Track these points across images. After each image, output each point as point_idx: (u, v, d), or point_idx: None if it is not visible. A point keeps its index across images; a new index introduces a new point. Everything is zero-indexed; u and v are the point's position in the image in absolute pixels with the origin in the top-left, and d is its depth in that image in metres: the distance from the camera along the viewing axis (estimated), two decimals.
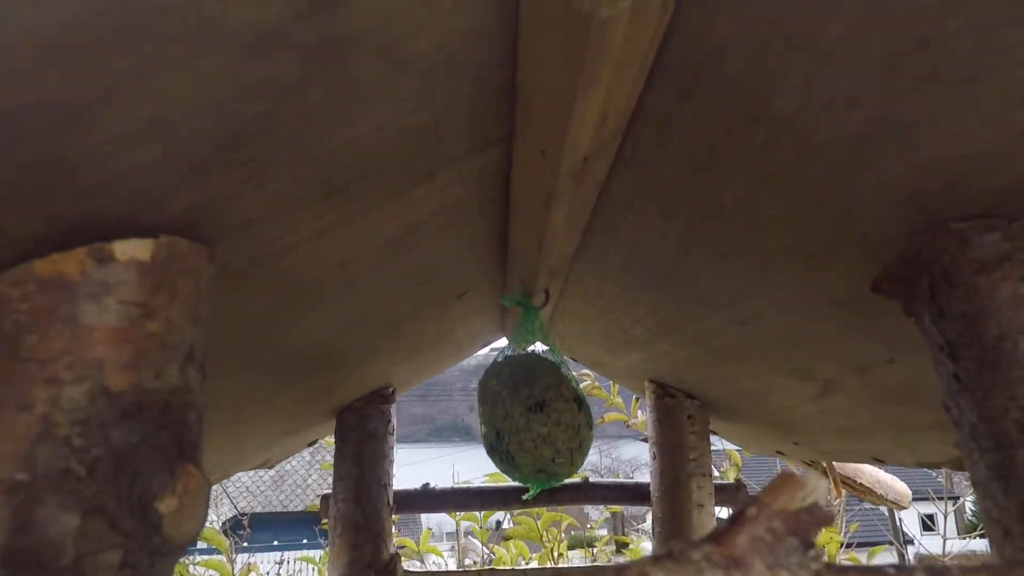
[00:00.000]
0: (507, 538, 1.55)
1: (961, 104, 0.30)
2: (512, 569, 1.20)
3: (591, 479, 1.22)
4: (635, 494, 1.19)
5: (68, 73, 0.23)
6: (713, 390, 1.05)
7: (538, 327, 0.79)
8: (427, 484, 1.28)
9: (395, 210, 0.49)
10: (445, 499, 1.25)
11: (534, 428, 0.70)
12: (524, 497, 0.93)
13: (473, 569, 1.31)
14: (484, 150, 0.48)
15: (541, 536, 1.53)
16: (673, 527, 1.09)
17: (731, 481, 1.26)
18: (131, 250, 0.31)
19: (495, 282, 0.87)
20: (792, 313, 0.60)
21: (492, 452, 0.76)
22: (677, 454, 1.12)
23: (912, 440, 0.78)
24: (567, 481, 1.12)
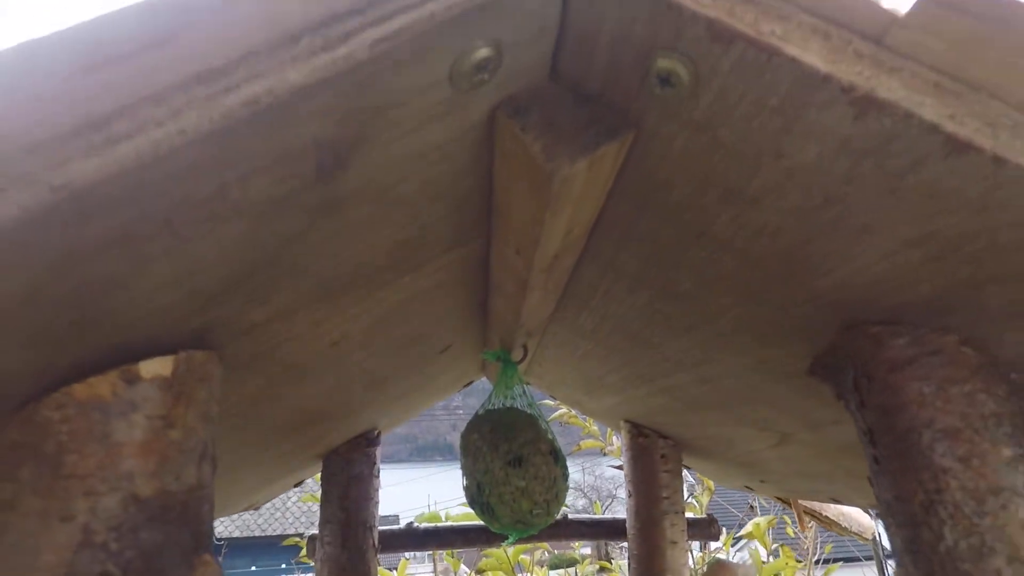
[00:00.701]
0: (480, 571, 1.59)
1: (861, 244, 0.36)
2: None
3: (574, 494, 1.26)
4: (612, 530, 1.24)
5: (113, 257, 0.28)
6: (684, 432, 1.10)
7: (517, 381, 0.83)
8: (411, 523, 1.31)
9: (383, 296, 0.54)
10: (428, 538, 1.28)
11: (513, 482, 0.74)
12: (504, 544, 0.97)
13: None
14: (466, 245, 0.53)
15: (512, 568, 1.56)
16: (648, 565, 1.14)
17: (703, 516, 1.31)
18: (155, 368, 0.36)
19: (476, 336, 0.92)
20: (748, 378, 0.66)
21: (473, 504, 0.80)
22: (651, 492, 1.17)
23: (864, 485, 0.84)
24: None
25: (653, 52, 0.31)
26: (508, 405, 0.83)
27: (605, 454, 1.82)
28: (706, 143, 0.35)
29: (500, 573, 1.85)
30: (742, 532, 2.02)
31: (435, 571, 2.71)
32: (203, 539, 0.37)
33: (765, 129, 0.32)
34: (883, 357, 0.42)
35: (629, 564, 1.18)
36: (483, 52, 0.30)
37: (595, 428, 1.69)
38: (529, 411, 0.83)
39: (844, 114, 0.28)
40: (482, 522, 0.85)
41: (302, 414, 0.71)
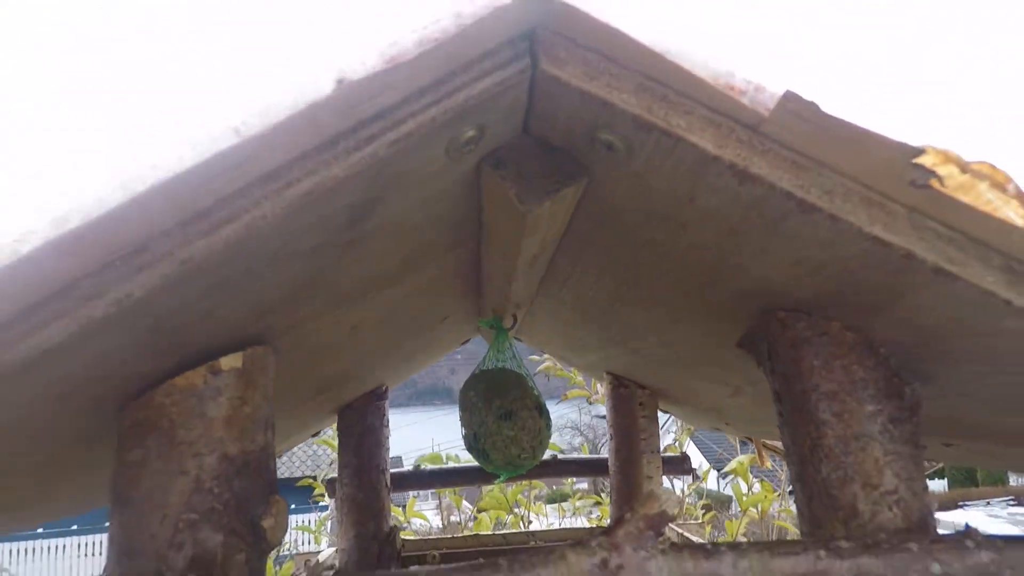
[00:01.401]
0: (481, 509, 1.77)
1: (762, 261, 0.48)
2: (492, 534, 1.41)
3: (571, 432, 1.42)
4: (596, 468, 1.40)
5: (212, 296, 0.39)
6: (658, 383, 1.24)
7: (507, 344, 0.96)
8: (418, 464, 1.47)
9: (394, 291, 0.65)
10: (433, 478, 1.44)
11: (504, 432, 0.88)
12: (496, 482, 1.13)
13: (459, 536, 1.52)
14: (461, 247, 0.64)
15: (510, 505, 1.74)
16: (627, 497, 1.30)
17: (678, 454, 1.48)
18: (231, 362, 0.48)
19: (472, 305, 1.04)
20: (700, 344, 0.79)
21: (471, 449, 0.94)
22: (630, 435, 1.32)
23: None
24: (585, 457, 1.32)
25: (596, 129, 0.41)
26: (500, 366, 0.96)
27: (591, 403, 1.98)
28: (643, 187, 0.45)
29: (499, 511, 2.05)
30: (727, 468, 2.21)
31: (440, 507, 2.94)
32: (272, 484, 0.50)
33: (682, 183, 0.42)
34: (787, 336, 0.54)
35: (611, 496, 1.35)
36: (470, 133, 0.41)
37: (580, 379, 1.84)
38: (518, 371, 0.96)
39: (731, 181, 0.39)
40: (479, 464, 1.00)
41: (325, 380, 0.84)
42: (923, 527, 0.49)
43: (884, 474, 0.49)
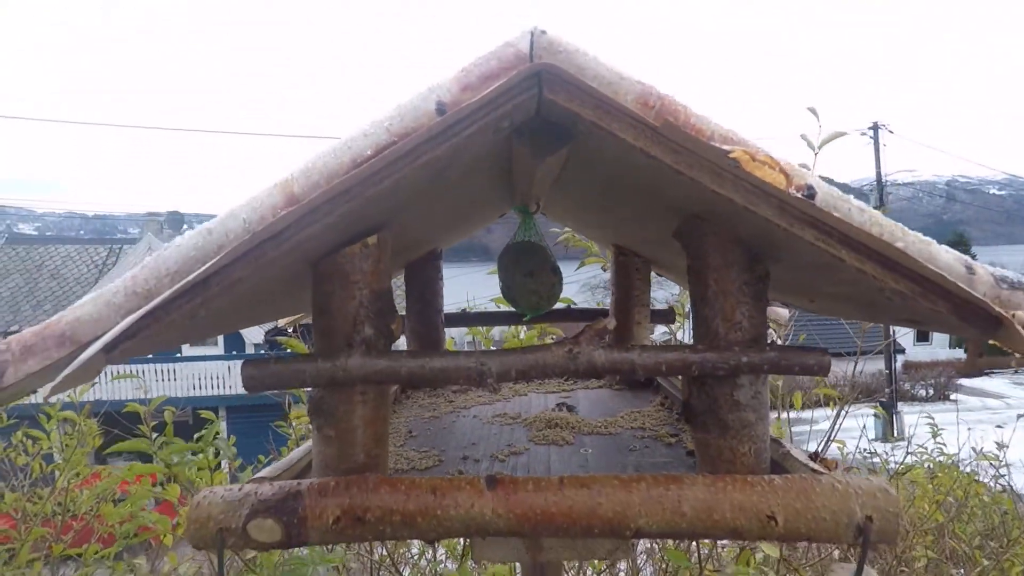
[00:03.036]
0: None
1: (674, 193, 0.82)
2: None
3: (602, 292, 1.83)
4: (599, 315, 1.82)
5: (367, 213, 0.77)
6: (649, 253, 1.61)
7: (532, 224, 1.33)
8: (464, 309, 1.92)
9: (458, 195, 1.02)
10: (476, 319, 1.90)
11: (528, 286, 1.27)
12: (523, 320, 1.55)
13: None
14: (504, 169, 0.99)
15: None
16: (621, 336, 1.73)
17: (665, 307, 1.88)
18: (372, 240, 0.86)
19: (508, 195, 1.40)
20: (658, 230, 1.14)
21: (505, 297, 1.35)
22: (627, 292, 1.72)
23: None
24: (555, 307, 1.74)
25: (574, 124, 0.75)
26: (527, 239, 1.34)
27: (605, 270, 2.36)
28: (600, 154, 0.79)
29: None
30: None
31: (474, 343, 3.52)
32: (393, 306, 0.91)
33: (619, 155, 0.76)
34: (693, 232, 0.90)
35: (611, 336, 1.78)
36: (505, 124, 0.75)
37: (596, 249, 2.21)
38: (540, 243, 1.33)
39: (643, 157, 0.73)
40: (510, 309, 1.41)
41: (407, 249, 1.24)
42: (756, 341, 0.87)
43: (735, 313, 0.87)
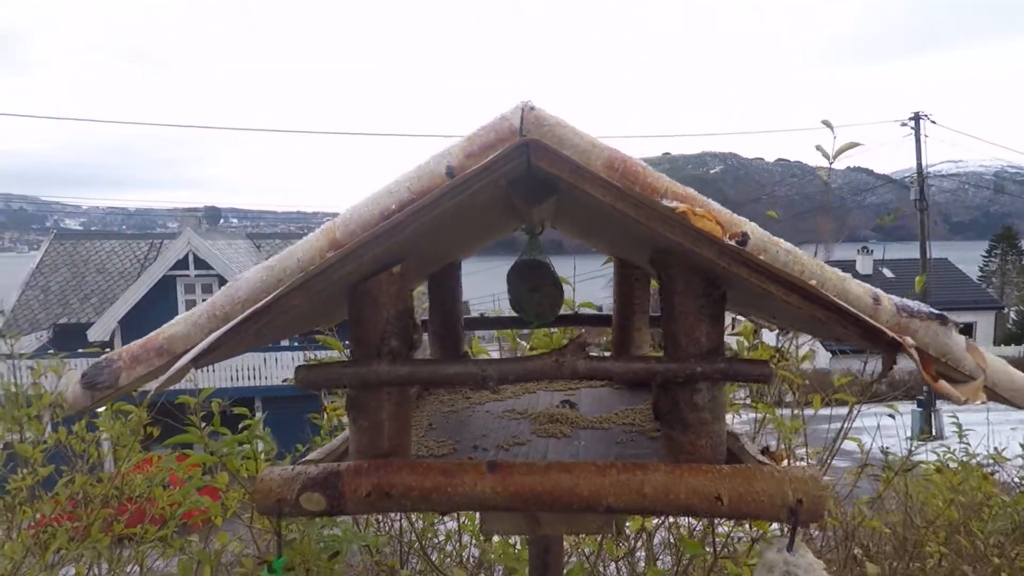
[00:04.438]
0: (532, 348, 2.44)
1: (644, 231, 1.00)
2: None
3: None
4: (602, 320, 2.00)
5: (393, 250, 0.97)
6: (645, 268, 1.78)
7: (537, 243, 1.51)
8: (482, 314, 2.12)
9: (473, 228, 1.21)
10: (490, 322, 2.09)
11: (533, 299, 1.46)
12: (531, 327, 1.75)
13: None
14: (509, 206, 1.18)
15: (555, 345, 2.40)
16: (621, 341, 1.91)
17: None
18: (396, 270, 1.06)
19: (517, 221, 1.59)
20: (640, 255, 1.32)
21: (513, 307, 1.54)
22: (627, 300, 1.89)
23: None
24: (564, 313, 1.93)
25: (556, 180, 0.93)
26: (533, 256, 1.52)
27: None
28: (579, 200, 0.97)
29: (544, 350, 2.72)
30: (735, 330, 2.76)
31: (499, 347, 3.72)
32: (414, 321, 1.11)
33: (592, 203, 0.94)
34: (663, 261, 1.07)
35: (613, 338, 1.96)
36: (502, 182, 0.94)
37: None
38: (543, 260, 1.52)
39: (609, 207, 0.91)
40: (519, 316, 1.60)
41: (430, 264, 1.44)
42: (712, 353, 1.04)
43: (695, 330, 1.04)
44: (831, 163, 2.55)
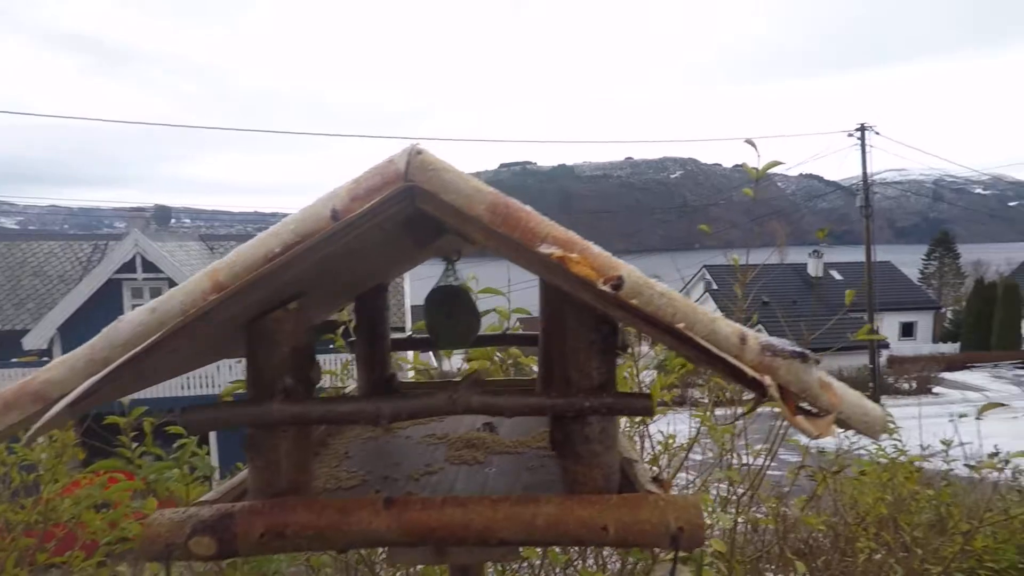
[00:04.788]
0: (469, 359, 2.45)
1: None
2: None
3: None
4: (527, 340, 2.03)
5: (288, 284, 0.97)
6: None
7: (453, 270, 1.53)
8: (411, 335, 2.12)
9: (379, 259, 1.22)
10: (415, 343, 2.10)
11: (446, 325, 1.48)
12: (442, 351, 1.76)
13: (443, 380, 2.22)
14: (413, 242, 1.19)
15: (490, 357, 2.43)
16: (549, 368, 1.94)
17: None
18: (293, 306, 1.06)
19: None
20: None
21: (428, 332, 1.55)
22: (557, 323, 1.92)
23: None
24: (492, 334, 1.95)
25: (439, 220, 0.95)
26: (449, 282, 1.54)
27: None
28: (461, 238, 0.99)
29: (483, 361, 2.74)
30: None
31: (439, 365, 3.73)
32: (312, 355, 1.11)
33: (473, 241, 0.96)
34: (555, 298, 1.10)
35: (539, 366, 2.00)
36: (389, 224, 0.95)
37: None
38: (459, 286, 1.54)
39: (483, 244, 0.93)
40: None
41: (353, 287, 1.44)
42: (603, 387, 1.08)
43: (588, 364, 1.07)
44: (755, 180, 2.66)
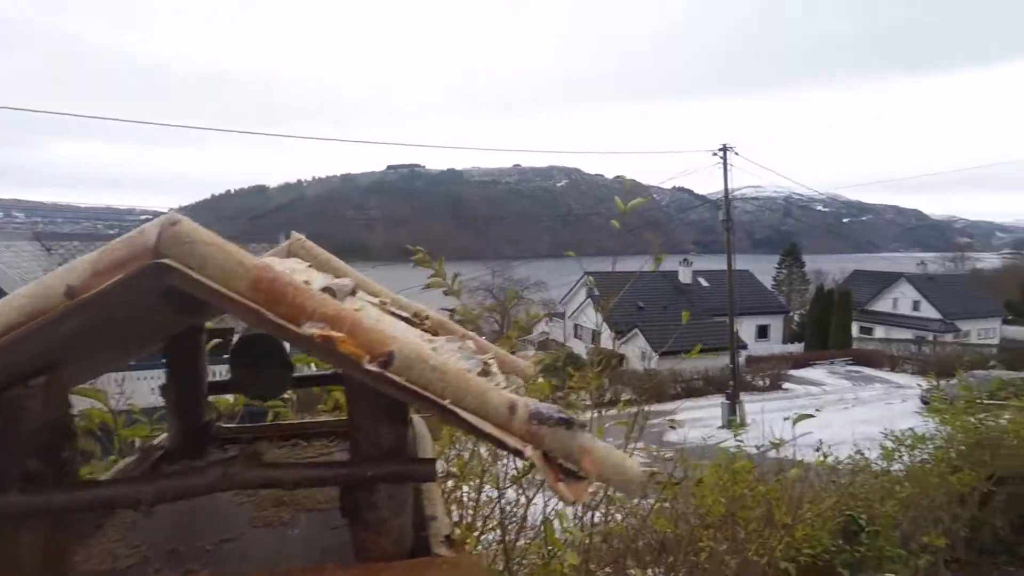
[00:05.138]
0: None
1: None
2: (292, 422, 2.02)
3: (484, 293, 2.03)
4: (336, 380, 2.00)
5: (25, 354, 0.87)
6: None
7: None
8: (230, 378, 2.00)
9: (148, 328, 1.13)
10: (237, 388, 1.99)
11: (250, 377, 1.41)
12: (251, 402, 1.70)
13: (265, 424, 2.11)
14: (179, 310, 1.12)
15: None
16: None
17: None
18: (37, 381, 0.95)
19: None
20: None
21: (236, 385, 1.47)
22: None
23: None
24: (326, 371, 1.89)
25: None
26: (259, 332, 1.47)
27: (446, 294, 2.49)
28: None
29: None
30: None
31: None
32: (70, 430, 1.00)
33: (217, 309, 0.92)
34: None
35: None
36: (143, 296, 0.88)
37: (444, 270, 2.36)
38: (271, 338, 1.47)
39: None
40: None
41: (152, 336, 1.32)
42: (393, 453, 1.07)
43: (375, 431, 1.06)
44: (623, 212, 2.83)
